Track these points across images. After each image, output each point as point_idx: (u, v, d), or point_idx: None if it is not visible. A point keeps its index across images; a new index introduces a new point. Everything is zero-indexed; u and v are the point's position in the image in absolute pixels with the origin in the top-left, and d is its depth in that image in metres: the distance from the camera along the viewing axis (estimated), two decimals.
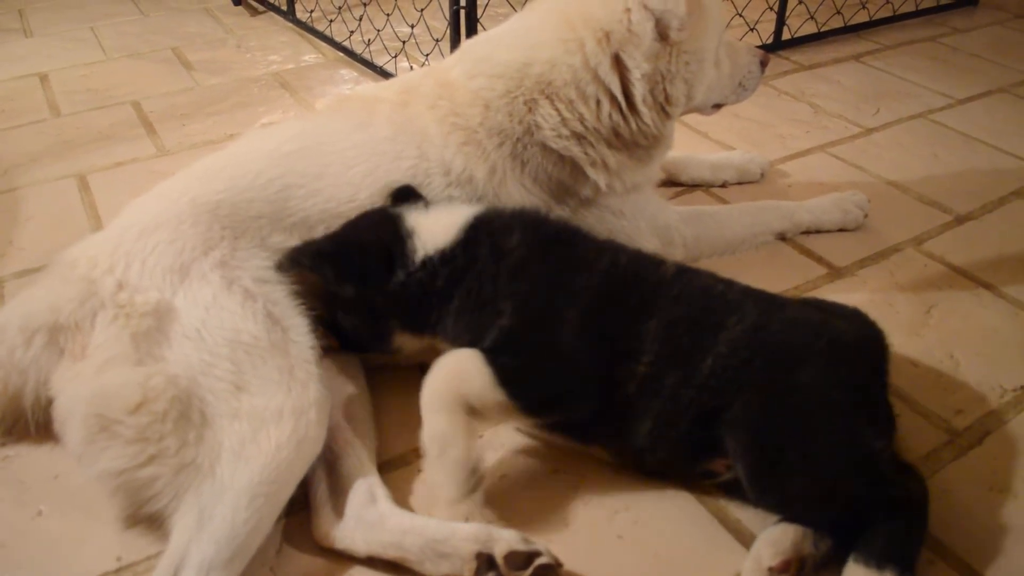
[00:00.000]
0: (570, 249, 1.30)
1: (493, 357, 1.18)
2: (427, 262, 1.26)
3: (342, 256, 1.28)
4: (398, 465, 1.30)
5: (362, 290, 1.28)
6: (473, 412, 1.18)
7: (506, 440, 1.33)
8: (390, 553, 1.12)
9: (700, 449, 1.19)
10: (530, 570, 1.07)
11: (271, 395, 1.14)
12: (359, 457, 1.24)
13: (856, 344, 1.22)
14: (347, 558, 1.14)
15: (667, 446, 1.20)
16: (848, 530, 1.09)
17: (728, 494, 1.23)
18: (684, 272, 1.29)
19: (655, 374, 1.18)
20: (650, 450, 1.21)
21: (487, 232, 1.29)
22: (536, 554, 1.08)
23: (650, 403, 1.18)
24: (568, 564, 1.12)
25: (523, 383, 1.19)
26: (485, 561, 1.08)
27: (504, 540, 1.09)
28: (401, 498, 1.22)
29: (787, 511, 1.13)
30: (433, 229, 1.29)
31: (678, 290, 1.24)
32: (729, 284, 1.28)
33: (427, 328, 1.29)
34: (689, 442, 1.18)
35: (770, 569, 1.07)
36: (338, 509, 1.17)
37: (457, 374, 1.20)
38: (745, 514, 1.21)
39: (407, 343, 1.33)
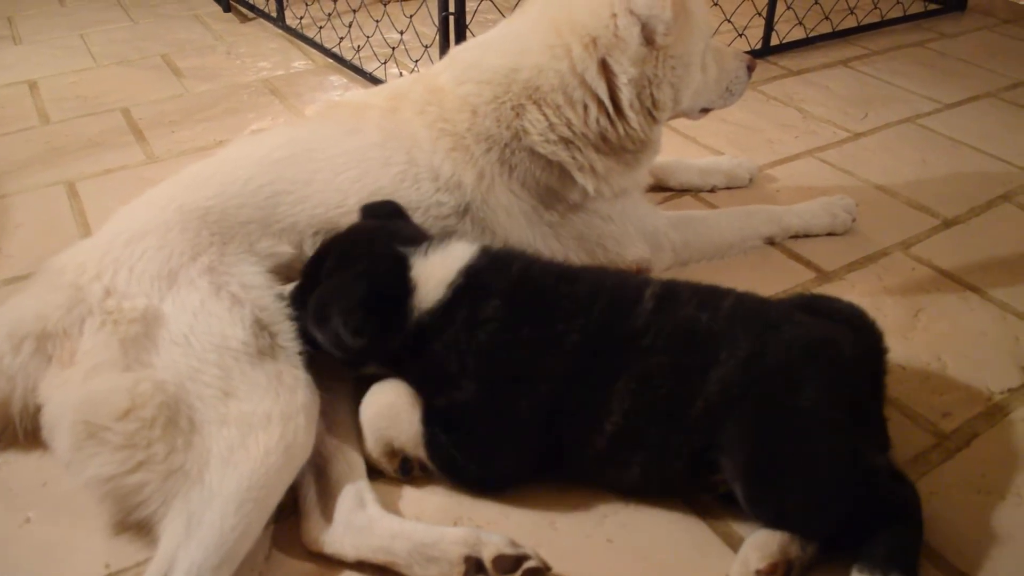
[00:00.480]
0: (548, 310, 1.22)
1: (434, 422, 1.21)
2: (418, 323, 1.22)
3: (351, 313, 1.18)
4: (382, 473, 1.29)
5: (364, 349, 1.22)
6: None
7: None
8: (379, 557, 1.12)
9: (696, 475, 1.18)
10: (518, 574, 1.07)
11: (259, 401, 1.14)
12: (348, 462, 1.24)
13: (855, 358, 1.19)
14: (336, 563, 1.14)
15: (660, 483, 1.21)
16: (844, 539, 1.10)
17: (718, 500, 1.23)
18: (663, 308, 1.21)
19: (629, 430, 1.16)
20: (643, 486, 1.22)
21: (470, 292, 1.23)
22: (524, 558, 1.08)
23: (632, 454, 1.18)
24: (557, 568, 1.12)
25: (456, 459, 1.21)
26: (473, 565, 1.08)
27: (492, 544, 1.09)
28: (390, 503, 1.23)
29: (784, 526, 1.12)
30: (428, 284, 1.23)
31: (652, 338, 1.18)
32: (715, 310, 1.21)
33: (393, 366, 1.28)
34: (685, 475, 1.18)
35: (757, 572, 1.07)
36: (327, 514, 1.18)
37: (389, 417, 1.24)
38: (734, 518, 1.21)
39: (372, 370, 1.31)
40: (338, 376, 1.36)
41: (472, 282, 1.23)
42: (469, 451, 1.21)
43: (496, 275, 1.25)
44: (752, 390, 1.13)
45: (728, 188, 2.09)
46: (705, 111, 1.77)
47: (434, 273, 1.24)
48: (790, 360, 1.16)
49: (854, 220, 1.90)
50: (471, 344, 1.20)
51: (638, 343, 1.18)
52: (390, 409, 1.24)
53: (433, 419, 1.21)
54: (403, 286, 1.23)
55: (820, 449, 1.12)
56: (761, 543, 1.10)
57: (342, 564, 1.14)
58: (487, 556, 1.08)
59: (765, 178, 2.15)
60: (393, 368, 1.28)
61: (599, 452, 1.19)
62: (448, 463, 1.21)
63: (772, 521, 1.13)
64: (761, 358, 1.15)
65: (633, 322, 1.20)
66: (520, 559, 1.08)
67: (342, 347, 1.21)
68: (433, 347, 1.21)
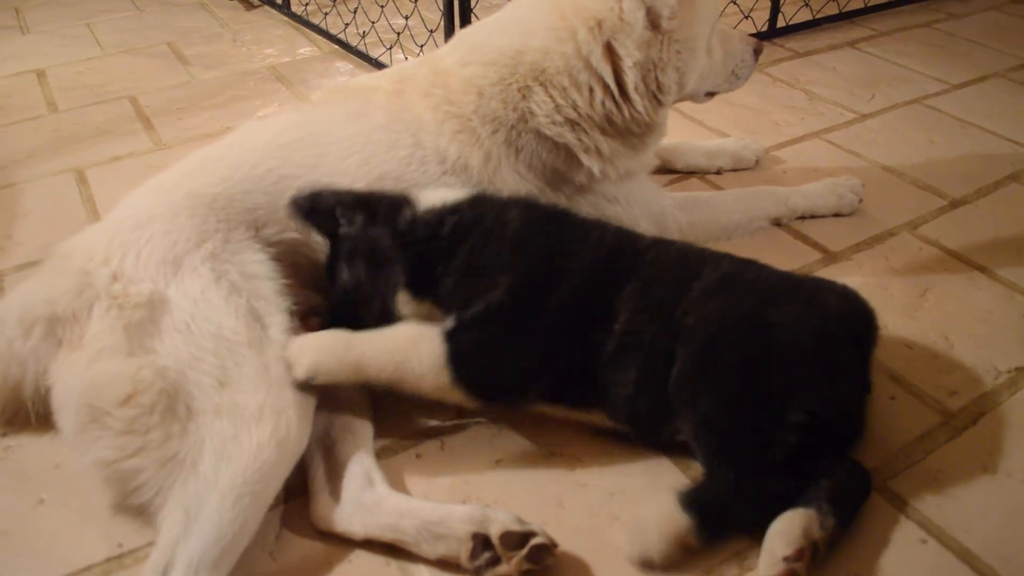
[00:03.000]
0: (561, 228, 1.33)
1: (459, 335, 1.22)
2: (434, 209, 1.30)
3: (367, 204, 1.31)
4: (395, 450, 1.31)
5: (386, 234, 1.29)
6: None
7: (501, 424, 1.34)
8: (387, 535, 1.13)
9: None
10: (525, 550, 1.08)
11: (251, 393, 1.15)
12: (356, 442, 1.25)
13: (841, 311, 1.26)
14: (346, 541, 1.15)
15: (649, 395, 1.21)
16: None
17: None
18: (659, 241, 1.36)
19: (632, 329, 1.22)
20: (634, 400, 1.21)
21: (489, 202, 1.34)
22: (531, 534, 1.09)
23: (632, 354, 1.21)
24: (564, 545, 1.13)
25: (482, 363, 1.22)
26: (481, 542, 1.09)
27: (499, 521, 1.10)
28: (398, 482, 1.24)
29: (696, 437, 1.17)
30: (438, 193, 1.35)
31: (654, 254, 1.30)
32: (706, 249, 1.36)
33: (428, 289, 1.28)
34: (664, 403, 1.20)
35: (785, 559, 1.06)
36: (336, 493, 1.18)
37: (409, 343, 1.23)
38: None
39: (407, 309, 1.31)
40: None
41: (487, 196, 1.36)
42: (498, 352, 1.22)
43: (509, 198, 1.39)
44: (725, 296, 1.23)
45: (734, 170, 2.08)
46: (711, 95, 1.77)
47: (440, 191, 1.36)
48: (767, 279, 1.28)
49: (861, 201, 1.90)
50: (503, 236, 1.28)
51: (643, 256, 1.30)
52: (410, 338, 1.24)
53: (459, 332, 1.22)
54: (403, 193, 1.35)
55: (768, 362, 1.17)
56: (783, 531, 1.09)
57: (351, 542, 1.15)
58: (494, 533, 1.09)
59: (771, 160, 2.15)
60: (425, 293, 1.29)
61: (609, 356, 1.21)
62: (470, 369, 1.22)
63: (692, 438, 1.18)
64: (741, 275, 1.28)
65: (638, 243, 1.33)
66: (527, 536, 1.09)
67: (356, 252, 1.30)
68: (469, 238, 1.28)
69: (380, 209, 1.31)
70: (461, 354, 1.21)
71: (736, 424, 1.15)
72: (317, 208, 1.31)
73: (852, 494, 1.16)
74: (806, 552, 1.07)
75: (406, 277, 1.28)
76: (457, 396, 1.23)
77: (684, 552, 1.10)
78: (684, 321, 1.21)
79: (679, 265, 1.30)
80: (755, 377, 1.16)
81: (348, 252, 1.31)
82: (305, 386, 1.20)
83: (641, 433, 1.27)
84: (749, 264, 1.32)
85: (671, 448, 1.27)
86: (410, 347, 1.22)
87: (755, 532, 1.11)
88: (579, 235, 1.31)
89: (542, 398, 1.27)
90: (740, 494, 1.13)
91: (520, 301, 1.24)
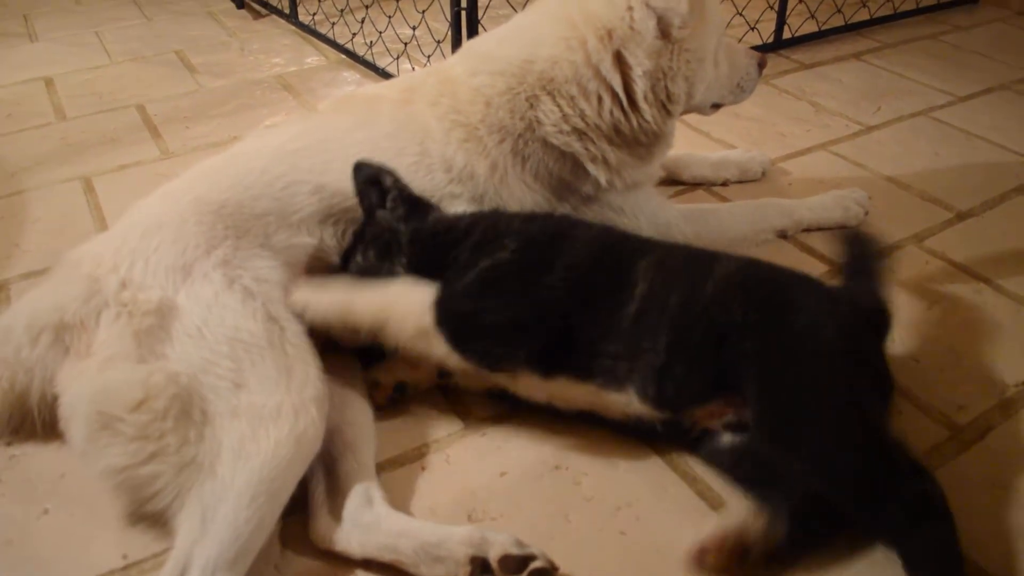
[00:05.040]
0: (570, 222, 1.42)
1: (455, 281, 1.26)
2: (457, 214, 1.41)
3: (414, 201, 1.39)
4: (400, 463, 1.30)
5: (410, 230, 1.36)
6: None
7: (507, 437, 1.34)
8: (385, 556, 1.12)
9: (710, 378, 1.20)
10: (524, 574, 1.06)
11: (269, 393, 1.14)
12: (357, 459, 1.24)
13: (851, 298, 1.31)
14: (345, 560, 1.14)
15: (684, 361, 1.20)
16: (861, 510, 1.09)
17: (729, 488, 1.24)
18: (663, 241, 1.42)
19: (654, 295, 1.24)
20: (667, 369, 1.20)
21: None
22: (530, 558, 1.07)
23: (660, 319, 1.21)
24: (570, 559, 1.12)
25: (472, 308, 1.24)
26: (479, 565, 1.07)
27: (499, 544, 1.09)
28: (402, 495, 1.23)
29: (797, 463, 1.13)
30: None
31: (664, 246, 1.36)
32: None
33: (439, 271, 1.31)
34: (703, 360, 1.20)
35: (701, 546, 1.07)
36: (335, 512, 1.17)
37: (402, 287, 1.28)
38: None
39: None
40: (349, 375, 1.37)
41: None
42: (491, 300, 1.24)
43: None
44: (750, 286, 1.24)
45: (741, 181, 2.09)
46: (716, 107, 1.77)
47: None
48: (781, 274, 1.30)
49: (867, 213, 1.90)
50: (517, 215, 1.40)
51: (654, 244, 1.36)
52: (404, 284, 1.29)
53: (455, 279, 1.26)
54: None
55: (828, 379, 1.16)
56: (725, 514, 1.11)
57: (350, 562, 1.14)
58: (493, 556, 1.07)
59: (778, 171, 2.15)
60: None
61: (631, 320, 1.22)
62: (457, 314, 1.23)
63: (784, 449, 1.15)
64: (756, 267, 1.31)
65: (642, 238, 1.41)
66: (526, 559, 1.07)
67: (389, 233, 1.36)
68: (483, 224, 1.35)
69: (419, 208, 1.38)
70: (451, 296, 1.23)
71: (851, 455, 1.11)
72: (376, 182, 1.38)
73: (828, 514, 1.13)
74: (729, 543, 1.07)
75: (408, 268, 1.33)
76: (437, 346, 1.23)
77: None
78: (715, 302, 1.22)
79: (691, 254, 1.35)
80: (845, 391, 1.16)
81: (373, 234, 1.36)
82: (322, 386, 1.20)
83: (665, 410, 1.23)
84: (755, 260, 1.36)
85: (684, 439, 1.26)
86: (401, 290, 1.27)
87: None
88: (584, 224, 1.41)
89: (532, 363, 1.25)
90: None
91: (524, 259, 1.27)
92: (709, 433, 1.24)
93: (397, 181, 1.39)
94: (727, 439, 1.22)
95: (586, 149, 1.53)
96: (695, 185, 2.08)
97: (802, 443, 1.12)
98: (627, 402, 1.23)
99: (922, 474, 1.11)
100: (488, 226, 1.35)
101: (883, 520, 1.07)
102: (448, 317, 1.22)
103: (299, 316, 1.24)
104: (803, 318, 1.20)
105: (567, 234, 1.33)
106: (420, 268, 1.31)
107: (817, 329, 1.19)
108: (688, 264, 1.30)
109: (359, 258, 1.37)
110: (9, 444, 1.32)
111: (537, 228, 1.35)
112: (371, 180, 1.39)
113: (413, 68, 2.71)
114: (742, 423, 1.20)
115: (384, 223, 1.37)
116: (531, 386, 1.28)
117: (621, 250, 1.32)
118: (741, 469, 1.21)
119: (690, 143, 2.28)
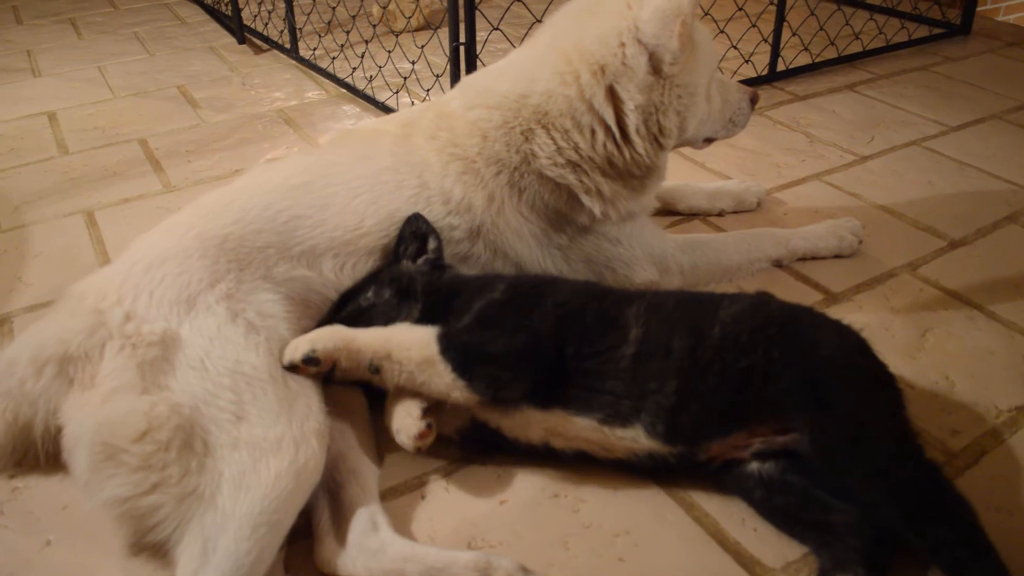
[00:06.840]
0: (555, 276, 1.53)
1: (454, 321, 1.32)
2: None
3: (439, 263, 1.47)
4: (400, 491, 1.31)
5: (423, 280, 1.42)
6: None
7: (506, 466, 1.35)
8: None
9: (732, 413, 1.22)
10: None
11: (270, 425, 1.16)
12: (361, 486, 1.26)
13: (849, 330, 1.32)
14: None
15: (700, 401, 1.22)
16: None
17: (726, 515, 1.25)
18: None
19: (652, 339, 1.27)
20: (678, 410, 1.22)
21: None
22: None
23: (665, 363, 1.24)
24: None
25: (473, 337, 1.28)
26: None
27: (503, 569, 1.10)
28: (403, 523, 1.24)
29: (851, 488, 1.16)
30: None
31: (651, 293, 1.38)
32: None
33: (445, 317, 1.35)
34: (721, 399, 1.22)
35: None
36: (340, 537, 1.19)
37: (405, 327, 1.33)
38: (744, 536, 1.22)
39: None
40: (352, 403, 1.38)
41: None
42: (489, 327, 1.29)
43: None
44: (767, 326, 1.26)
45: (736, 212, 2.11)
46: (709, 141, 1.80)
47: None
48: (791, 310, 1.34)
49: (861, 242, 1.92)
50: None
51: (644, 294, 1.39)
52: (406, 326, 1.33)
53: (455, 320, 1.32)
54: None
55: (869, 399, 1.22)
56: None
57: None
58: None
59: (773, 202, 2.17)
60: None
61: (626, 364, 1.25)
62: (460, 344, 1.26)
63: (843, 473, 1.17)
64: (766, 305, 1.33)
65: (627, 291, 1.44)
66: None
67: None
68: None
69: (438, 264, 1.46)
70: (454, 331, 1.28)
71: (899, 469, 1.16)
72: (422, 240, 1.47)
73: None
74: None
75: (419, 315, 1.37)
76: (441, 376, 1.25)
77: None
78: (726, 344, 1.24)
79: (690, 297, 1.38)
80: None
81: (391, 276, 1.41)
82: (324, 419, 1.22)
83: (678, 445, 1.24)
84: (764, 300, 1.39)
85: (701, 472, 1.27)
86: (403, 327, 1.32)
87: None
88: (569, 279, 1.51)
89: (530, 393, 1.27)
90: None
91: (515, 296, 1.35)
92: (735, 463, 1.24)
93: (438, 248, 1.47)
94: (754, 467, 1.23)
95: (580, 181, 1.56)
96: (691, 216, 2.10)
97: (865, 461, 1.15)
98: (633, 437, 1.25)
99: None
100: (486, 279, 1.42)
101: (935, 536, 1.10)
102: (453, 345, 1.25)
103: (306, 353, 1.26)
104: (824, 348, 1.25)
105: (553, 281, 1.43)
106: (430, 317, 1.34)
107: (843, 354, 1.25)
108: (684, 309, 1.32)
109: (370, 294, 1.39)
110: (12, 476, 1.34)
111: (525, 278, 1.46)
112: (417, 235, 1.47)
113: (412, 102, 2.75)
114: (772, 451, 1.21)
115: (405, 271, 1.42)
116: (529, 421, 1.29)
117: (607, 296, 1.36)
118: (778, 500, 1.21)
119: (686, 174, 2.31)
